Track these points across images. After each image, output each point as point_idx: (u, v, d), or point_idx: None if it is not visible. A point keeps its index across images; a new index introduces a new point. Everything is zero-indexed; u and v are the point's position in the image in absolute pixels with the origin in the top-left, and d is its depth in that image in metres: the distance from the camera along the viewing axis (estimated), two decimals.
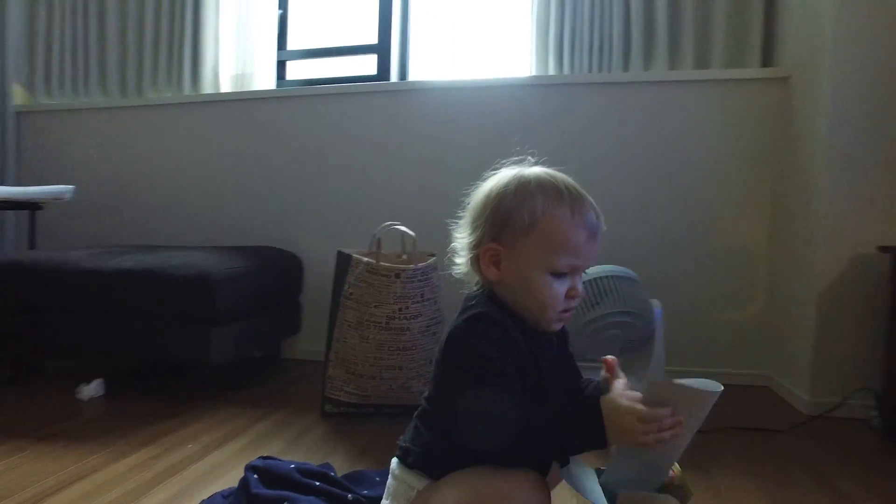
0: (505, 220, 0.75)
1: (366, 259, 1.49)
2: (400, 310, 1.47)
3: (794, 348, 1.67)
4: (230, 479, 1.13)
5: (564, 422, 0.68)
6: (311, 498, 0.98)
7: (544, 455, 0.74)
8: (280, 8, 2.44)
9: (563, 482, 0.78)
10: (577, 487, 0.74)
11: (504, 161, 0.82)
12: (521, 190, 0.76)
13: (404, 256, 1.67)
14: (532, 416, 0.68)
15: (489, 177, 0.80)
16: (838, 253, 1.56)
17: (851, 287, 1.55)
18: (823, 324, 1.57)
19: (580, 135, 1.98)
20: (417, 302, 1.49)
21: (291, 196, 2.20)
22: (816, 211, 1.59)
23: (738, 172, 1.88)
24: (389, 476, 0.84)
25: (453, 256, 0.81)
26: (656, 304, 1.50)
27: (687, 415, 0.64)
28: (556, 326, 0.79)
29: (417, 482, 0.78)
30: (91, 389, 1.62)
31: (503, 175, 0.78)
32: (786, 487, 1.14)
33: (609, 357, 0.78)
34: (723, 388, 0.64)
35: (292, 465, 1.05)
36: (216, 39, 2.36)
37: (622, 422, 0.64)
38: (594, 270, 1.44)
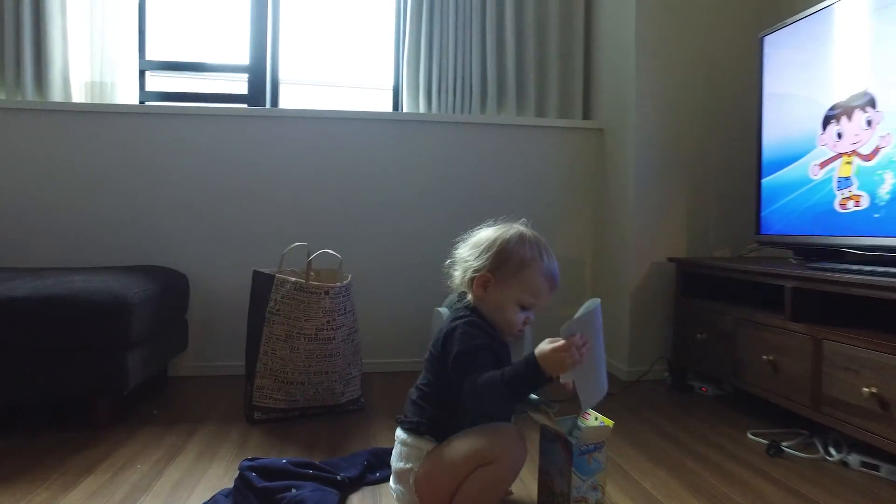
0: (503, 261, 1.07)
1: (293, 279, 1.66)
2: (327, 322, 1.66)
3: (615, 332, 2.23)
4: (206, 485, 1.24)
5: (520, 373, 0.98)
6: (311, 483, 1.17)
7: (516, 395, 1.04)
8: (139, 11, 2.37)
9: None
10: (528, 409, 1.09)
11: (501, 216, 1.14)
12: (520, 244, 1.08)
13: (312, 274, 1.86)
14: (504, 375, 0.98)
15: (495, 226, 1.13)
16: (642, 262, 2.16)
17: (652, 286, 2.15)
18: (634, 314, 2.16)
19: (441, 166, 2.33)
20: (342, 315, 1.70)
21: (164, 214, 2.16)
22: (626, 231, 2.17)
23: (569, 200, 2.42)
24: (398, 445, 1.09)
25: (451, 270, 1.12)
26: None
27: (590, 332, 0.99)
28: (511, 339, 1.13)
29: (427, 445, 1.05)
30: None
31: (509, 228, 1.11)
32: (623, 425, 1.63)
33: None
34: (599, 300, 1.02)
35: (284, 461, 1.22)
36: (63, 39, 2.22)
37: (551, 357, 0.95)
38: None
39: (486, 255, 1.08)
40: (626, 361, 2.15)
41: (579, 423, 1.10)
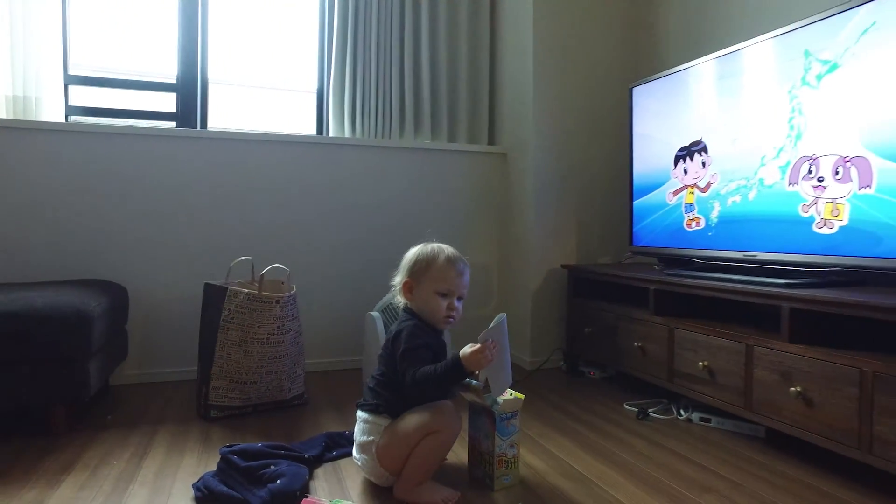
0: (414, 266, 1.40)
1: (246, 290, 1.87)
2: (278, 328, 1.89)
3: (519, 329, 2.61)
4: (185, 472, 1.44)
5: (448, 368, 1.30)
6: (284, 461, 1.41)
7: (445, 385, 1.35)
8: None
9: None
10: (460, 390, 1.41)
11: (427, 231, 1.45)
12: (423, 250, 1.41)
13: (255, 284, 2.07)
14: (436, 369, 1.30)
15: (417, 246, 1.43)
16: (540, 269, 2.56)
17: (549, 289, 2.56)
18: (534, 313, 2.55)
19: (364, 186, 2.62)
20: (290, 321, 1.93)
21: (99, 228, 2.24)
22: (526, 242, 2.56)
23: (478, 216, 2.77)
24: (360, 423, 1.37)
25: (392, 284, 1.42)
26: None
27: (499, 338, 1.33)
28: (444, 327, 1.44)
29: (384, 421, 1.34)
30: None
31: (423, 245, 1.42)
32: (528, 403, 2.00)
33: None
34: (505, 314, 1.37)
35: (260, 445, 1.45)
36: None
37: (470, 357, 1.27)
38: None
39: (405, 269, 1.42)
40: (529, 353, 2.54)
41: (497, 398, 1.43)
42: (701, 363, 1.70)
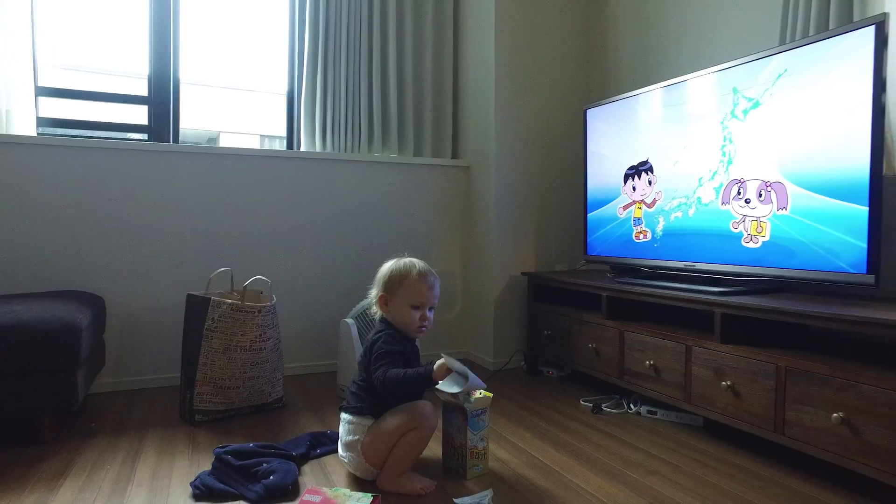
0: (388, 281, 1.55)
1: (229, 301, 1.97)
2: (259, 335, 2.00)
3: (482, 333, 2.79)
4: (180, 472, 1.55)
5: (420, 375, 1.45)
6: (275, 459, 1.53)
7: (416, 390, 1.51)
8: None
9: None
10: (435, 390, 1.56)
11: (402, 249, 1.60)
12: (396, 266, 1.56)
13: (235, 294, 2.17)
14: (409, 374, 1.45)
15: (390, 261, 1.57)
16: (503, 275, 2.74)
17: (511, 295, 2.74)
18: (496, 317, 2.73)
19: (335, 198, 2.74)
20: (270, 328, 2.04)
21: (73, 240, 2.29)
22: (488, 251, 2.74)
23: (442, 226, 2.94)
24: (346, 424, 1.50)
25: (368, 296, 1.57)
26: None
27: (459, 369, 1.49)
28: (417, 335, 1.59)
29: (368, 421, 1.48)
30: None
31: (396, 260, 1.57)
32: (493, 402, 2.17)
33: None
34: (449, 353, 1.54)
35: (251, 445, 1.56)
36: None
37: (437, 372, 1.44)
38: None
39: (380, 283, 1.56)
40: (492, 355, 2.72)
41: (469, 398, 1.59)
42: (648, 362, 1.91)
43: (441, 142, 3.04)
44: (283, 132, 2.89)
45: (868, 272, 1.47)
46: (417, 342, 1.67)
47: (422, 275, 1.56)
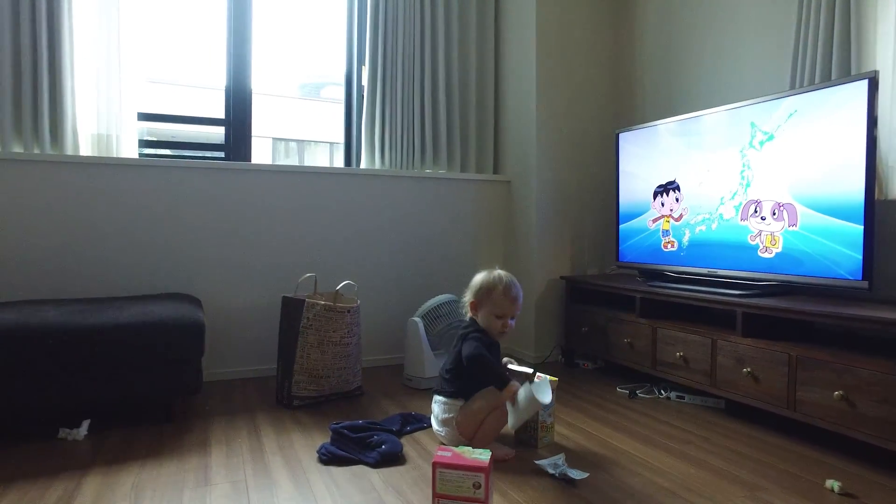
0: (479, 292, 1.89)
1: (322, 302, 2.32)
2: (347, 332, 2.35)
3: (523, 330, 3.13)
4: (301, 443, 1.90)
5: (498, 377, 1.80)
6: (380, 432, 1.89)
7: (489, 381, 1.84)
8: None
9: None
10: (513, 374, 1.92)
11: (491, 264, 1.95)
12: (487, 280, 1.90)
13: (318, 296, 2.53)
14: (492, 367, 1.79)
15: (479, 273, 1.92)
16: (543, 278, 3.09)
17: (550, 297, 3.09)
18: (538, 316, 3.08)
19: (391, 210, 3.09)
20: (356, 326, 2.40)
21: (167, 249, 2.65)
22: (529, 257, 3.09)
23: (486, 235, 3.28)
24: (441, 405, 1.85)
25: (462, 300, 1.91)
26: None
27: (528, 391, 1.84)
28: (499, 338, 1.94)
29: (459, 402, 1.84)
30: (83, 430, 1.98)
31: (488, 272, 1.90)
32: None
33: (505, 359, 1.98)
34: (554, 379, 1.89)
35: (360, 421, 1.92)
36: (72, 94, 2.56)
37: (505, 391, 1.76)
38: (440, 298, 2.63)
39: (473, 291, 1.91)
40: (533, 349, 3.07)
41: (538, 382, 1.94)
42: (678, 353, 2.26)
43: (484, 159, 3.39)
44: (342, 150, 3.25)
45: (863, 279, 1.81)
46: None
47: (507, 290, 1.89)
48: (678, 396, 2.38)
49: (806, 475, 1.67)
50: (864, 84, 1.81)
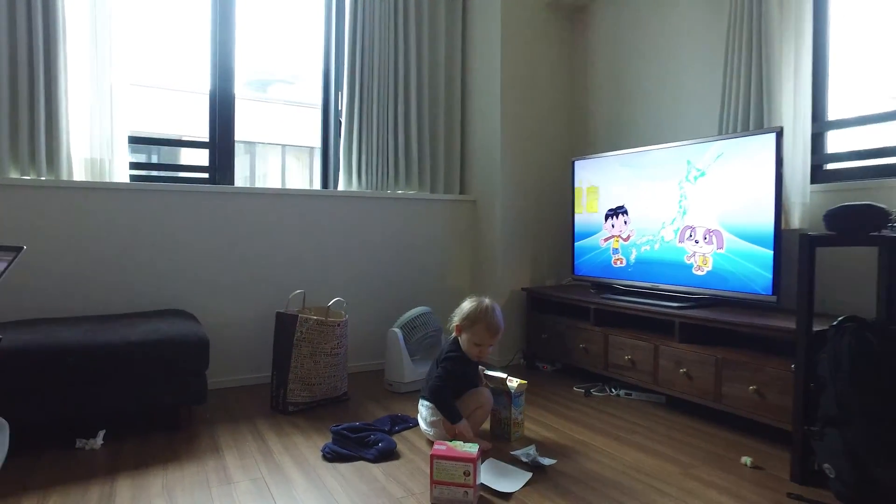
0: (465, 319, 2.18)
1: (315, 317, 2.57)
2: (337, 343, 2.61)
3: None
4: (304, 444, 2.15)
5: (450, 414, 2.09)
6: (377, 433, 2.16)
7: (449, 416, 2.12)
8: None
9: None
10: (487, 379, 2.23)
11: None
12: (475, 310, 2.20)
13: (307, 311, 2.77)
14: (445, 404, 2.08)
15: (471, 299, 2.22)
16: (506, 289, 3.42)
17: (513, 306, 3.43)
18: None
19: (367, 228, 3.36)
20: (344, 338, 2.66)
21: (161, 270, 2.85)
22: (494, 270, 3.41)
23: (454, 250, 3.59)
24: (427, 409, 2.15)
25: (451, 320, 2.21)
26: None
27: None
28: (477, 360, 2.25)
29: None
30: (99, 440, 2.16)
31: (477, 302, 2.20)
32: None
33: (481, 368, 2.30)
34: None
35: (357, 423, 2.19)
36: (66, 119, 2.68)
37: (451, 428, 2.09)
38: (416, 310, 2.92)
39: (461, 317, 2.20)
40: (498, 354, 3.40)
41: (509, 385, 2.26)
42: (626, 357, 2.63)
43: (452, 180, 3.70)
44: (319, 171, 3.49)
45: (773, 294, 2.22)
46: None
47: (489, 327, 2.15)
48: (626, 393, 2.75)
49: (727, 454, 2.06)
50: (773, 136, 2.21)
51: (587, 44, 3.55)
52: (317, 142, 3.52)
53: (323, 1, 3.45)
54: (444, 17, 3.61)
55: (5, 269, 1.55)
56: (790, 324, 2.04)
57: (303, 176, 10.18)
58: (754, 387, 2.09)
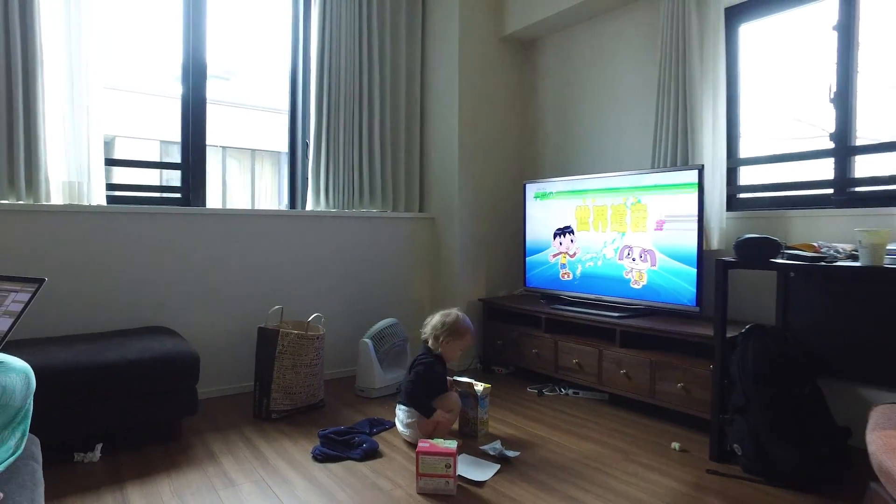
0: (451, 332, 2.49)
1: (295, 332, 2.79)
2: (316, 355, 2.84)
3: None
4: (295, 448, 2.38)
5: (425, 410, 2.41)
6: (360, 435, 2.41)
7: (424, 412, 2.43)
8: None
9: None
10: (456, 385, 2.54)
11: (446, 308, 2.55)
12: (459, 323, 2.51)
13: (286, 324, 2.98)
14: (422, 401, 2.41)
15: (442, 311, 2.53)
16: (464, 300, 3.73)
17: (470, 315, 3.70)
18: None
19: (333, 246, 3.59)
20: (321, 349, 2.89)
21: (146, 287, 2.99)
22: (452, 282, 3.71)
23: (415, 264, 3.87)
24: (404, 412, 2.42)
25: (424, 333, 2.50)
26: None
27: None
28: (454, 363, 2.55)
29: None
30: (97, 453, 2.31)
31: (448, 315, 2.51)
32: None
33: (450, 379, 2.61)
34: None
35: (342, 427, 2.43)
36: (44, 143, 2.77)
37: (431, 418, 2.42)
38: (385, 322, 3.19)
39: (446, 329, 2.49)
40: (457, 359, 3.70)
41: (476, 389, 2.57)
42: (574, 360, 2.99)
43: (412, 199, 3.98)
44: (287, 190, 3.69)
45: (696, 305, 2.64)
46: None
47: (472, 333, 2.55)
48: (574, 392, 3.12)
49: (661, 441, 2.45)
50: (696, 171, 2.63)
51: (536, 76, 3.92)
52: (284, 147, 3.71)
53: (290, 32, 3.65)
54: (404, 49, 3.89)
55: (28, 301, 1.69)
56: (710, 331, 2.45)
57: (272, 185, 10.17)
58: (682, 384, 2.49)
